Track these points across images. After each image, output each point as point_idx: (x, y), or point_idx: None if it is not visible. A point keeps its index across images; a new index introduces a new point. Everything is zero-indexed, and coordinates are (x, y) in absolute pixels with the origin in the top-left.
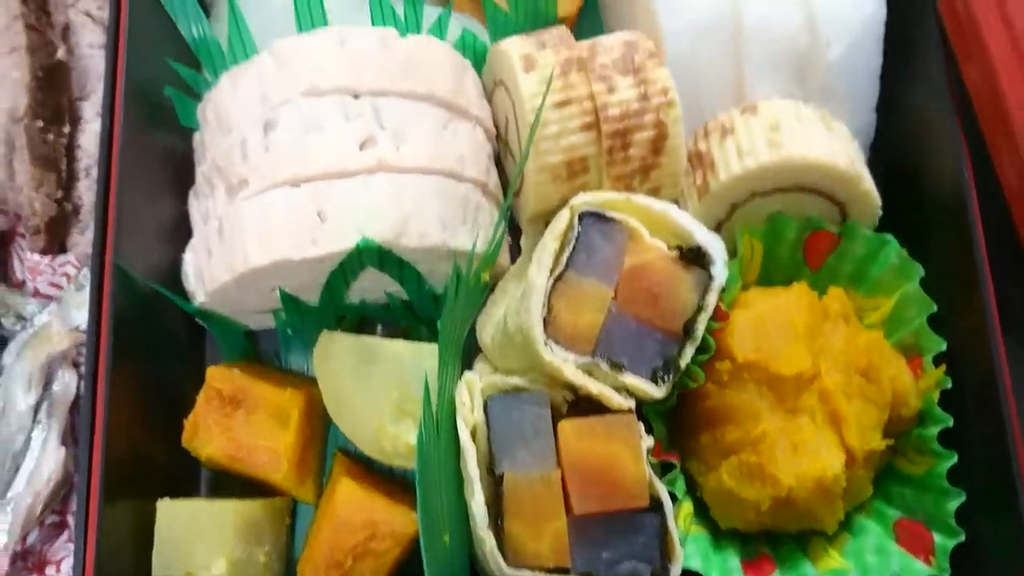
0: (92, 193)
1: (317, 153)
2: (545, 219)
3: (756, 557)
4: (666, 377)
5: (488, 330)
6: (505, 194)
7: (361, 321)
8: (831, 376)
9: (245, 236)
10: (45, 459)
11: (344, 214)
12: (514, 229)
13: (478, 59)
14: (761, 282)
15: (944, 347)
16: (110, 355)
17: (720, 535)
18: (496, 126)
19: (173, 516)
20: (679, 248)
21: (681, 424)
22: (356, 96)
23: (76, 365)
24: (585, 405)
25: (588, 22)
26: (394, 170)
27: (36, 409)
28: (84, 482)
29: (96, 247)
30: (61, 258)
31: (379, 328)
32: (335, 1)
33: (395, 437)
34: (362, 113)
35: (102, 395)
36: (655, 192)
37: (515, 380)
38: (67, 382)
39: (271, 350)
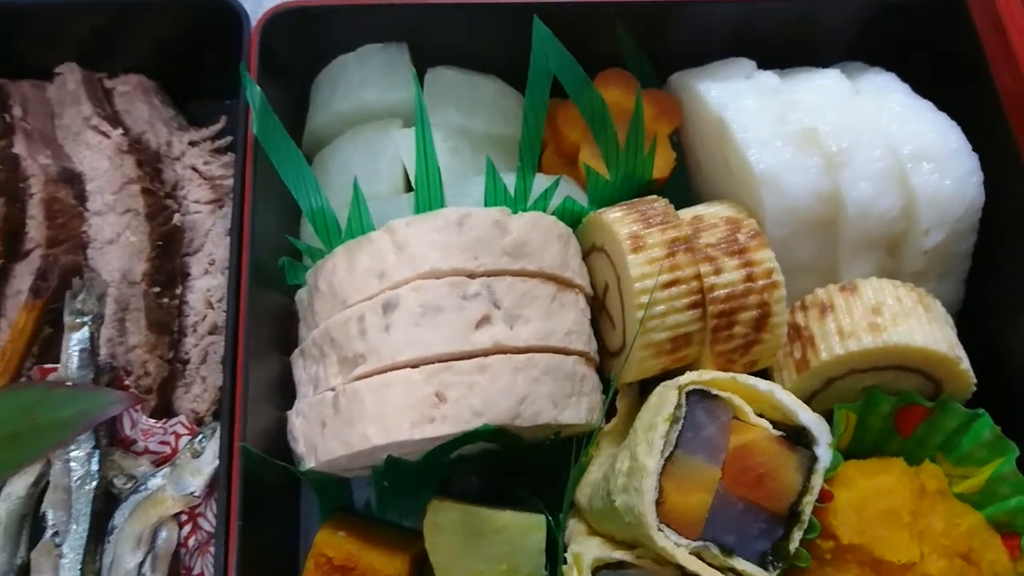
0: (198, 350)
1: (436, 336)
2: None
3: None
4: (776, 564)
5: (584, 490)
6: (600, 358)
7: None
8: (933, 561)
9: (365, 416)
10: None
11: (462, 398)
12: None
13: (576, 222)
14: (852, 446)
15: None
16: (240, 536)
17: None
18: (593, 286)
19: None
20: (784, 427)
21: None
22: (472, 276)
23: (175, 515)
24: None
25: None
26: (509, 351)
27: (140, 564)
28: None
29: (226, 428)
30: (173, 420)
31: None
32: (448, 172)
33: None
34: (478, 293)
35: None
36: (753, 364)
37: (621, 555)
38: (170, 535)
39: (363, 496)
